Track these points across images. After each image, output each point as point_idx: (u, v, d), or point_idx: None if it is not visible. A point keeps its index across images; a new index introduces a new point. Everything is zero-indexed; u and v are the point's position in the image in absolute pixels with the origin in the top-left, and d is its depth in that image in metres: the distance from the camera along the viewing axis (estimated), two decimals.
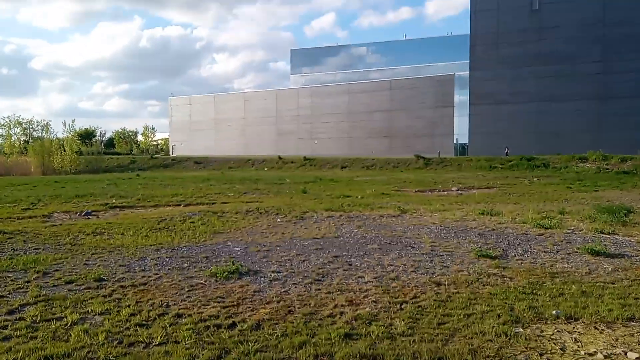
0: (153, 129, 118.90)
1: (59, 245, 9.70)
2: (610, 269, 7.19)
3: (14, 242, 9.89)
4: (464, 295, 5.96)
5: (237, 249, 9.06)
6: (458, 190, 23.45)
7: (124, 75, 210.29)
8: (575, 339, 4.65)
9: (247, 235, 10.57)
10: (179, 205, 17.76)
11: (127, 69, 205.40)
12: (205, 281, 6.72)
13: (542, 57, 54.87)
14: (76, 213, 15.66)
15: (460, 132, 62.01)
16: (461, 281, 6.58)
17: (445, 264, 7.59)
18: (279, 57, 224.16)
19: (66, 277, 6.95)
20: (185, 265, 7.76)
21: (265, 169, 52.81)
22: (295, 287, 6.41)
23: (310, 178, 32.33)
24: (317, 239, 9.94)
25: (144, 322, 5.15)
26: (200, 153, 73.99)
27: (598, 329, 4.89)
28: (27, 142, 67.82)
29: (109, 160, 70.87)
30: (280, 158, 56.93)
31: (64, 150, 65.95)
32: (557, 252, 8.43)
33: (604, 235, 9.94)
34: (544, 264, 7.60)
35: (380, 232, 10.64)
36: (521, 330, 4.85)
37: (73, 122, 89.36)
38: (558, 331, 4.85)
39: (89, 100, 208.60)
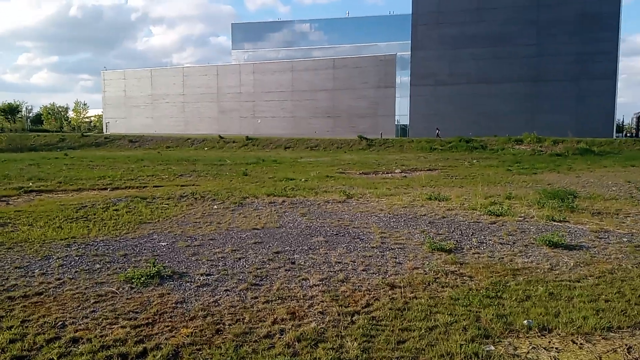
0: (85, 104, 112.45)
1: None
2: (572, 264, 6.69)
3: None
4: (423, 301, 5.19)
5: (164, 243, 7.91)
6: (402, 172, 23.08)
7: (53, 46, 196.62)
8: (555, 359, 3.99)
9: (177, 226, 9.40)
10: (106, 189, 16.18)
11: (56, 40, 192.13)
12: (118, 289, 5.59)
13: (480, 39, 55.56)
14: None
15: (402, 112, 62.30)
16: (417, 282, 5.82)
17: (398, 260, 6.83)
18: (219, 31, 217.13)
19: None
20: (97, 266, 6.56)
21: (206, 148, 50.77)
22: (228, 294, 5.41)
23: (252, 159, 31.08)
24: (257, 229, 8.95)
25: (25, 354, 4.00)
26: (137, 131, 70.38)
27: (577, 343, 4.25)
28: None
29: (35, 138, 65.80)
30: (221, 137, 54.93)
31: None
32: (514, 243, 7.90)
33: (556, 223, 9.58)
34: (503, 258, 7.01)
35: (326, 220, 9.79)
36: (492, 348, 4.13)
37: None
38: (533, 347, 4.17)
39: (13, 73, 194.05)
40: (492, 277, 6.08)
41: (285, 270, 6.31)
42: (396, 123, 63.24)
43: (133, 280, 5.77)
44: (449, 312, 4.87)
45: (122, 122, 79.34)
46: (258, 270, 6.26)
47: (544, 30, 53.68)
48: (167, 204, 12.28)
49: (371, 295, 5.36)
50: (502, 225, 9.33)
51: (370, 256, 7.00)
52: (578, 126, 48.18)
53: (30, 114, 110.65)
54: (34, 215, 10.63)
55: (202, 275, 6.09)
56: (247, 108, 71.42)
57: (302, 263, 6.64)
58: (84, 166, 25.55)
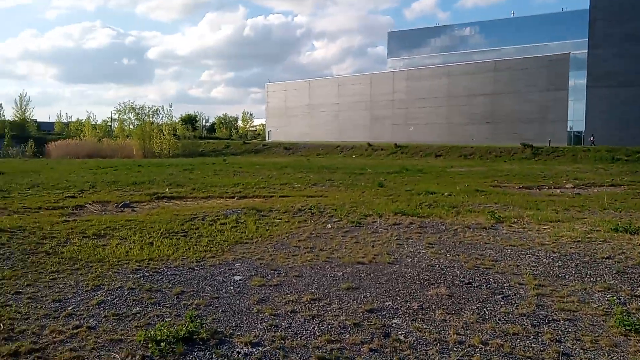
0: (251, 114, 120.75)
1: (32, 253, 7.56)
2: None
3: None
4: None
5: (238, 277, 6.24)
6: (574, 188, 18.84)
7: (230, 63, 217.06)
8: None
9: (270, 251, 7.74)
10: (233, 197, 15.52)
11: (233, 57, 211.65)
12: (126, 357, 3.96)
13: None
14: (115, 204, 13.92)
15: (575, 118, 54.23)
16: None
17: (563, 349, 4.14)
18: (377, 41, 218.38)
19: None
20: (136, 309, 5.09)
21: (354, 156, 49.90)
22: None
23: (395, 168, 28.85)
24: (361, 264, 6.82)
25: None
26: (295, 139, 72.82)
27: None
28: (142, 127, 70.33)
29: (205, 144, 71.90)
30: (369, 145, 53.65)
31: (164, 134, 67.61)
32: None
33: None
34: None
35: (458, 257, 7.25)
36: None
37: (171, 106, 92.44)
38: None
39: (198, 88, 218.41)
40: None
41: (370, 350, 4.08)
42: (569, 129, 55.34)
43: (151, 344, 4.10)
44: None
45: (282, 130, 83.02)
46: (328, 346, 4.13)
47: None
48: (280, 219, 10.80)
49: None
50: None
51: (515, 335, 4.40)
52: None
53: (207, 124, 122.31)
54: (138, 227, 9.92)
55: (247, 344, 4.17)
56: (400, 115, 69.23)
57: (401, 338, 4.33)
58: (230, 172, 25.92)
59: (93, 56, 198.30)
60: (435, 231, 9.26)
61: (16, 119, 74.88)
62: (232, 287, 5.83)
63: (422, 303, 5.21)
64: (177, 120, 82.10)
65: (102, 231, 9.44)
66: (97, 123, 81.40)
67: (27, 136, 68.01)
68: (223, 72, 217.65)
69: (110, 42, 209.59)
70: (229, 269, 6.66)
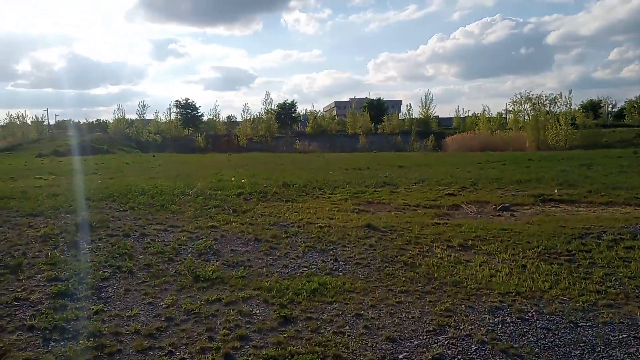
0: None
1: (391, 262, 7.05)
2: None
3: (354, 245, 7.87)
4: None
5: None
6: None
7: None
8: None
9: None
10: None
11: None
12: None
13: None
14: (493, 205, 12.63)
15: None
16: None
17: None
18: None
19: None
20: None
21: None
22: None
23: None
24: None
25: None
26: None
27: None
28: (536, 117, 66.87)
29: (609, 134, 62.40)
30: None
31: (560, 124, 62.14)
32: None
33: None
34: None
35: None
36: None
37: (570, 93, 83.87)
38: None
39: (604, 69, 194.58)
40: None
41: None
42: None
43: None
44: None
45: None
46: None
47: None
48: None
49: None
50: None
51: None
52: None
53: (614, 109, 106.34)
54: (512, 240, 8.29)
55: None
56: None
57: None
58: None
59: (491, 50, 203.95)
60: None
61: (421, 116, 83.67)
62: None
63: None
64: (576, 108, 74.22)
65: (470, 241, 8.24)
66: (492, 116, 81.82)
67: (429, 131, 75.03)
68: (637, 47, 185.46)
69: (509, 33, 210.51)
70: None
